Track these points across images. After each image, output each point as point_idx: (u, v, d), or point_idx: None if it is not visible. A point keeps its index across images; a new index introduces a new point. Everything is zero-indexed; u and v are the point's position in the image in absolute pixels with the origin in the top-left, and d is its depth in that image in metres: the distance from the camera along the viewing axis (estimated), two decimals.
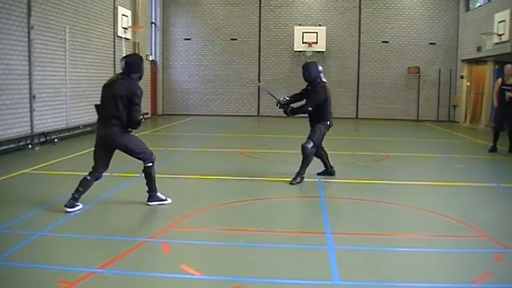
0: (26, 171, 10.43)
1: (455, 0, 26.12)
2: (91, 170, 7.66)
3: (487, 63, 22.61)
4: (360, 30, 26.46)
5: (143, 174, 7.90)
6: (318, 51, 25.76)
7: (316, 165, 10.15)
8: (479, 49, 23.01)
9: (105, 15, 19.50)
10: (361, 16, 26.41)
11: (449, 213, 7.57)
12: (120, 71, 7.78)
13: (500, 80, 14.54)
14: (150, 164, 7.85)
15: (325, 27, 25.79)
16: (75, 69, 16.93)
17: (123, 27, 20.98)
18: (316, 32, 25.55)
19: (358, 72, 26.56)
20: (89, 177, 7.57)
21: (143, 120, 22.44)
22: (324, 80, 9.79)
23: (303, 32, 25.55)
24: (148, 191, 7.85)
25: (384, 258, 5.82)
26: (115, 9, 20.28)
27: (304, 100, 9.88)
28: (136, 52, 22.29)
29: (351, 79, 26.60)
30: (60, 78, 15.99)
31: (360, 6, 26.36)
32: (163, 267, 5.27)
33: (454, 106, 26.18)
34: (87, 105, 17.76)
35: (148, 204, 7.78)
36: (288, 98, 9.97)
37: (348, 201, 8.58)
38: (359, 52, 26.52)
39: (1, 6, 12.72)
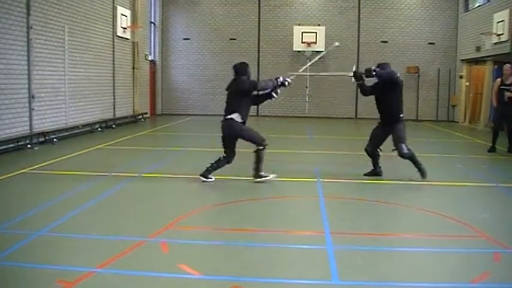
0: (25, 170, 10.42)
1: (455, 0, 26.13)
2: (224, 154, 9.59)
3: (486, 63, 22.62)
4: (359, 30, 26.48)
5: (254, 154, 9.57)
6: (317, 51, 25.74)
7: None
8: (478, 49, 23.03)
9: (104, 15, 19.50)
10: (361, 16, 26.43)
11: (449, 213, 7.57)
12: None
13: (499, 80, 14.56)
14: (262, 148, 9.51)
15: (324, 27, 25.80)
16: (74, 69, 16.92)
17: (123, 27, 20.98)
18: (316, 32, 25.56)
19: None
20: (222, 157, 9.65)
21: (141, 120, 22.45)
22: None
23: (302, 32, 25.56)
24: (254, 169, 9.57)
25: (383, 258, 5.82)
26: (114, 9, 20.27)
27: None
28: (136, 51, 22.33)
29: (350, 79, 26.46)
30: (59, 78, 15.98)
31: (359, 6, 26.38)
32: (162, 267, 5.25)
33: (453, 106, 26.20)
34: (86, 104, 17.79)
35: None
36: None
37: (347, 201, 8.58)
38: (358, 52, 26.54)
39: (0, 6, 12.71)
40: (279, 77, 9.72)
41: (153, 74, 26.06)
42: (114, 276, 4.99)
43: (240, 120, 9.43)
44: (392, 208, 8.12)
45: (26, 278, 4.92)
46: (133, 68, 22.49)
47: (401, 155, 9.79)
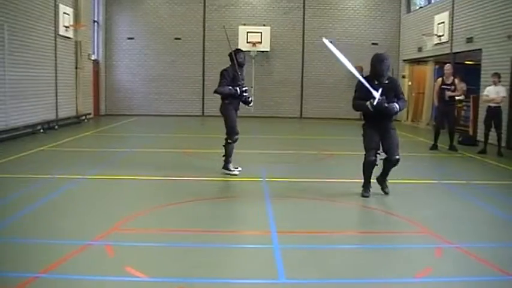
0: None
1: (397, 2, 26.62)
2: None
3: (428, 63, 23.19)
4: (303, 30, 26.68)
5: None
6: (263, 51, 25.86)
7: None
8: (420, 49, 23.55)
9: (46, 13, 19.06)
10: (305, 16, 26.64)
11: (392, 210, 7.71)
12: None
13: (440, 79, 14.94)
14: (229, 141, 10.18)
15: (269, 27, 25.89)
16: (15, 68, 16.49)
17: (65, 26, 20.56)
18: (261, 32, 25.62)
19: (302, 71, 26.77)
20: (225, 142, 10.31)
21: (85, 120, 22.10)
22: None
23: (248, 32, 25.58)
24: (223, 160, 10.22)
25: (329, 255, 5.89)
26: (56, 7, 19.83)
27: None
28: (79, 50, 21.94)
29: (295, 79, 26.79)
30: None
31: (303, 6, 26.58)
32: (107, 270, 5.18)
33: None
34: (27, 105, 17.38)
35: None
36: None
37: (292, 200, 8.63)
38: (303, 52, 26.74)
39: None
40: (246, 94, 10.36)
41: (96, 73, 25.64)
42: (58, 281, 4.90)
43: (227, 101, 10.28)
44: (338, 206, 8.21)
45: None
46: (76, 68, 22.09)
47: (398, 160, 8.64)
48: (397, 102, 8.47)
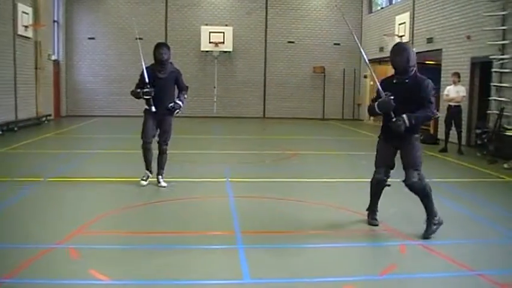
0: None
1: (359, 3, 26.87)
2: None
3: (389, 63, 23.35)
4: (266, 30, 26.72)
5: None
6: (225, 51, 25.82)
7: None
8: (381, 49, 23.82)
9: (4, 13, 18.68)
10: (268, 17, 26.69)
11: (356, 209, 7.75)
12: None
13: None
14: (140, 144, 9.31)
15: (231, 27, 25.86)
16: None
17: (24, 26, 20.20)
18: (223, 32, 25.58)
19: (265, 72, 26.82)
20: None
21: (45, 122, 21.74)
22: None
23: (210, 32, 25.51)
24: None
25: (294, 255, 5.91)
26: (14, 6, 19.43)
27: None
28: (39, 50, 21.59)
29: (257, 79, 26.81)
30: None
31: (266, 6, 26.62)
32: (71, 274, 5.09)
33: (359, 105, 26.94)
34: None
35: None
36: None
37: (256, 200, 8.62)
38: (265, 52, 26.79)
39: None
40: (147, 97, 9.15)
41: (57, 74, 25.24)
42: (22, 286, 4.81)
43: (146, 106, 9.31)
44: (301, 205, 8.23)
45: None
46: (36, 68, 21.71)
47: (411, 184, 6.76)
48: (414, 112, 6.48)
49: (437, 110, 17.93)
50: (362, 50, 8.01)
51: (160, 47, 9.28)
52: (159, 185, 9.23)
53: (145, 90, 9.03)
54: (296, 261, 5.65)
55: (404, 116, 6.43)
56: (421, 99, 6.53)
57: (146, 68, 9.28)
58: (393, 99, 6.51)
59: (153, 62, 9.35)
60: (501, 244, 6.42)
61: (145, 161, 9.37)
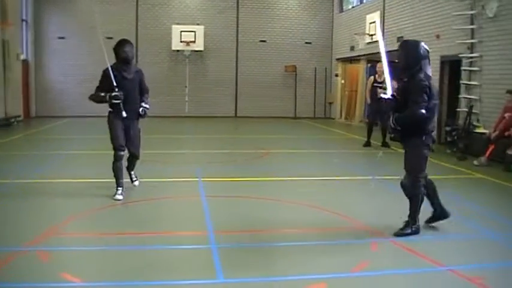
0: None
1: (330, 2, 26.99)
2: None
3: (360, 61, 23.64)
4: (237, 29, 26.69)
5: None
6: (196, 51, 25.73)
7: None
8: (352, 48, 23.95)
9: None
10: (239, 15, 26.65)
11: (328, 206, 7.79)
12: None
13: (372, 77, 15.30)
14: (114, 160, 8.35)
15: (203, 26, 25.76)
16: None
17: None
18: (194, 31, 25.47)
19: (237, 71, 26.78)
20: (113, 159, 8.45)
21: (14, 123, 21.46)
22: (429, 71, 6.56)
23: (181, 31, 25.39)
24: None
25: (267, 253, 5.92)
26: None
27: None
28: (7, 50, 21.28)
29: (229, 78, 26.75)
30: None
31: (237, 5, 26.58)
32: (42, 277, 5.03)
33: (330, 103, 27.06)
34: None
35: None
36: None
37: (229, 199, 8.62)
38: (237, 51, 26.75)
39: None
40: (116, 102, 8.23)
41: (26, 74, 24.87)
42: None
43: (110, 109, 8.48)
44: (274, 204, 8.25)
45: None
46: (4, 68, 21.40)
47: (403, 187, 6.76)
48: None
49: None
50: (382, 43, 7.35)
51: (124, 45, 8.44)
52: (133, 184, 8.98)
53: (113, 94, 8.10)
54: (269, 260, 5.66)
55: (393, 115, 6.46)
56: (410, 98, 6.38)
57: (107, 70, 8.34)
58: (395, 98, 6.63)
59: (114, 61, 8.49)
60: (471, 239, 6.52)
61: (116, 175, 8.34)
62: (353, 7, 25.16)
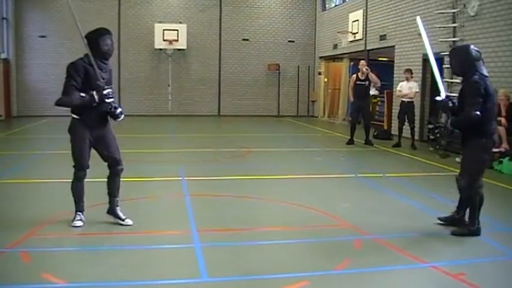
0: None
1: (313, 0, 27.03)
2: None
3: (343, 60, 23.73)
4: (220, 28, 26.64)
5: None
6: (179, 49, 25.66)
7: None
8: (335, 47, 24.03)
9: None
10: (222, 14, 26.61)
11: (311, 205, 7.80)
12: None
13: (355, 75, 15.33)
14: (73, 179, 7.00)
15: (185, 25, 25.69)
16: None
17: None
18: (177, 30, 25.40)
19: (220, 69, 26.74)
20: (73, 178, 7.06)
21: None
22: (484, 71, 6.51)
23: (164, 30, 25.30)
24: None
25: (250, 252, 5.92)
26: None
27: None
28: None
29: (212, 76, 26.70)
30: None
31: (220, 4, 26.54)
32: (23, 278, 4.98)
33: (313, 101, 27.11)
34: None
35: None
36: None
37: (212, 198, 8.60)
38: (220, 50, 26.70)
39: None
40: (109, 101, 6.72)
41: (6, 73, 24.64)
42: None
43: (75, 116, 7.04)
44: (256, 202, 8.25)
45: None
46: None
47: (460, 188, 6.78)
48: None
49: (391, 106, 18.22)
50: (429, 47, 7.20)
51: (107, 36, 6.87)
52: (124, 222, 6.86)
53: (105, 92, 6.61)
54: (252, 258, 5.66)
55: (450, 119, 6.66)
56: (466, 103, 6.42)
57: (84, 63, 6.86)
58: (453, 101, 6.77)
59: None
60: (453, 236, 6.53)
61: (76, 197, 6.95)
62: (336, 5, 25.24)
